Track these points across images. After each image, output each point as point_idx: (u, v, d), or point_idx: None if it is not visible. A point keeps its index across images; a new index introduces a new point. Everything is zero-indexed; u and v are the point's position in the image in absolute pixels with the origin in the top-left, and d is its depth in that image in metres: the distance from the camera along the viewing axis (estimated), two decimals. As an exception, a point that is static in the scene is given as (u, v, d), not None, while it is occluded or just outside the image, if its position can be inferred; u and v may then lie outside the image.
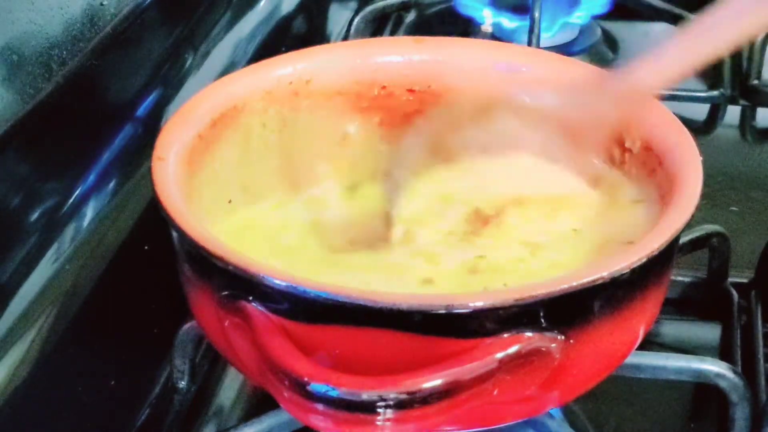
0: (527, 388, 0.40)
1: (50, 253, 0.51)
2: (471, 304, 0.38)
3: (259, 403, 0.52)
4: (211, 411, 0.54)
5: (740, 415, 0.48)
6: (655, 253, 0.40)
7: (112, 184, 0.57)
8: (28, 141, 0.52)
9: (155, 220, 0.43)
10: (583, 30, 0.87)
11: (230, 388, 0.55)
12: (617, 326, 0.41)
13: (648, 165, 0.48)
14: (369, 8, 0.84)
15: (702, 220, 0.57)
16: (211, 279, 0.41)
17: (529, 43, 0.77)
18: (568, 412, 0.51)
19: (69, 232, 0.53)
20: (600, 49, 0.87)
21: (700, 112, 0.78)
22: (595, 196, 0.50)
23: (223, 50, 0.72)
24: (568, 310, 0.39)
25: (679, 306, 0.59)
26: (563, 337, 0.39)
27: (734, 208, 0.68)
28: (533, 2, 0.79)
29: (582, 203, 0.50)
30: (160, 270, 0.48)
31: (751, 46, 0.80)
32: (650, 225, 0.44)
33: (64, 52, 0.56)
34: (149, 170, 0.44)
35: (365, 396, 0.36)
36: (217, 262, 0.39)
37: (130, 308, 0.54)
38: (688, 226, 0.42)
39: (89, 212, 0.55)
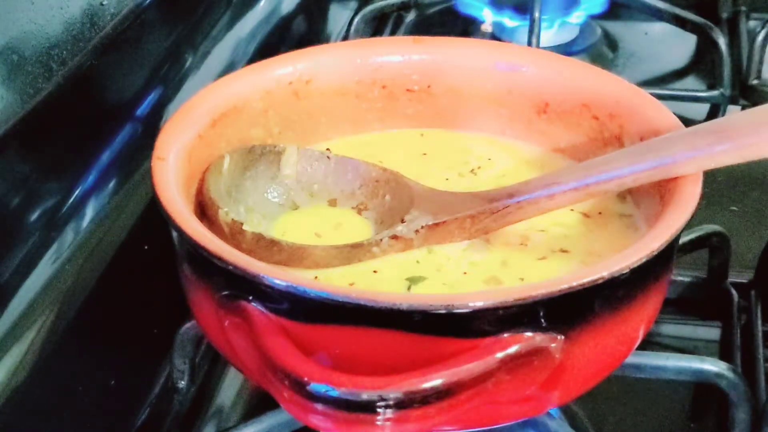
0: (527, 388, 0.40)
1: (50, 253, 0.51)
2: (471, 304, 0.38)
3: (259, 403, 0.52)
4: (211, 411, 0.54)
5: (740, 415, 0.48)
6: (655, 253, 0.40)
7: (112, 184, 0.57)
8: (28, 141, 0.52)
9: (155, 220, 0.43)
10: (583, 30, 0.87)
11: (230, 388, 0.55)
12: (617, 326, 0.41)
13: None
14: (369, 8, 0.84)
15: (702, 220, 0.57)
16: (211, 279, 0.41)
17: (529, 43, 0.78)
18: (568, 412, 0.51)
19: (69, 232, 0.53)
20: (600, 49, 0.87)
21: (700, 112, 0.78)
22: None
23: (223, 50, 0.72)
24: (568, 310, 0.39)
25: (679, 306, 0.59)
26: (563, 337, 0.39)
27: (734, 208, 0.68)
28: (533, 2, 0.79)
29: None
30: (160, 270, 0.48)
31: (751, 46, 0.80)
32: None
33: (64, 52, 0.56)
34: (149, 170, 0.44)
35: (365, 396, 0.36)
36: (217, 262, 0.39)
37: (130, 308, 0.54)
38: (688, 226, 0.42)
39: (89, 212, 0.55)
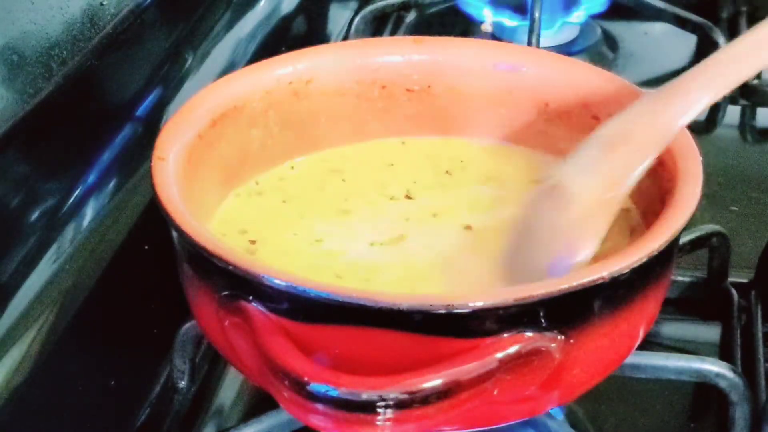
0: (527, 388, 0.40)
1: (50, 253, 0.51)
2: (471, 304, 0.38)
3: (259, 403, 0.52)
4: (211, 411, 0.54)
5: (740, 415, 0.48)
6: (655, 253, 0.40)
7: (112, 184, 0.57)
8: (28, 141, 0.52)
9: (155, 220, 0.43)
10: (583, 30, 0.87)
11: (230, 388, 0.55)
12: (617, 326, 0.41)
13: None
14: (369, 8, 0.84)
15: (702, 220, 0.57)
16: (211, 279, 0.41)
17: (529, 43, 0.77)
18: (568, 412, 0.51)
19: (69, 232, 0.53)
20: (600, 49, 0.87)
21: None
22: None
23: (223, 50, 0.72)
24: (568, 310, 0.39)
25: (679, 306, 0.59)
26: (563, 337, 0.39)
27: (734, 208, 0.68)
28: (533, 2, 0.79)
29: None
30: (160, 270, 0.48)
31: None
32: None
33: (64, 52, 0.56)
34: (149, 170, 0.44)
35: (365, 396, 0.36)
36: (217, 262, 0.39)
37: (130, 308, 0.54)
38: (688, 226, 0.42)
39: (89, 212, 0.55)
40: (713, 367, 0.48)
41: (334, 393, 0.36)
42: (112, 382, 0.52)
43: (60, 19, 0.56)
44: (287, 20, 0.82)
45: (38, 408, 0.47)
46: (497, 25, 0.86)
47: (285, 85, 0.52)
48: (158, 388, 0.54)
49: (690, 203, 0.43)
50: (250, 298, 0.39)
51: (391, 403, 0.35)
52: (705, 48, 0.83)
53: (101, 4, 0.60)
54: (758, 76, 0.79)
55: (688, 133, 0.47)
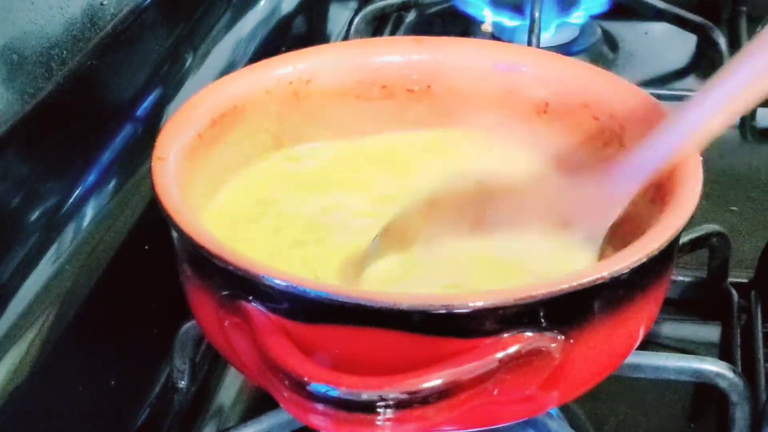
0: (527, 388, 0.40)
1: (50, 253, 0.51)
2: (471, 304, 0.38)
3: (259, 403, 0.52)
4: (211, 411, 0.54)
5: (740, 415, 0.48)
6: (655, 253, 0.40)
7: (112, 184, 0.57)
8: (28, 141, 0.52)
9: (155, 220, 0.43)
10: (583, 30, 0.87)
11: (230, 388, 0.55)
12: (617, 326, 0.41)
13: (648, 165, 0.48)
14: (369, 8, 0.84)
15: (702, 220, 0.57)
16: (211, 279, 0.41)
17: (529, 43, 0.78)
18: (568, 412, 0.51)
19: (69, 232, 0.53)
20: (600, 49, 0.87)
21: (700, 112, 0.78)
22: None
23: (223, 50, 0.72)
24: (568, 310, 0.39)
25: (679, 306, 0.59)
26: (563, 337, 0.39)
27: (734, 208, 0.68)
28: (533, 2, 0.79)
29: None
30: (160, 270, 0.48)
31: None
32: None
33: (64, 52, 0.56)
34: (149, 170, 0.44)
35: (365, 396, 0.36)
36: (217, 262, 0.39)
37: (130, 308, 0.54)
38: (688, 226, 0.42)
39: (89, 212, 0.55)
40: (713, 367, 0.48)
41: (334, 393, 0.36)
42: (112, 382, 0.52)
43: (60, 19, 0.56)
44: (287, 20, 0.82)
45: (38, 408, 0.47)
46: (497, 25, 0.86)
47: (285, 85, 0.52)
48: (158, 388, 0.54)
49: (690, 203, 0.43)
50: (250, 298, 0.39)
51: (391, 403, 0.35)
52: (705, 48, 0.83)
53: (101, 4, 0.60)
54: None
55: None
